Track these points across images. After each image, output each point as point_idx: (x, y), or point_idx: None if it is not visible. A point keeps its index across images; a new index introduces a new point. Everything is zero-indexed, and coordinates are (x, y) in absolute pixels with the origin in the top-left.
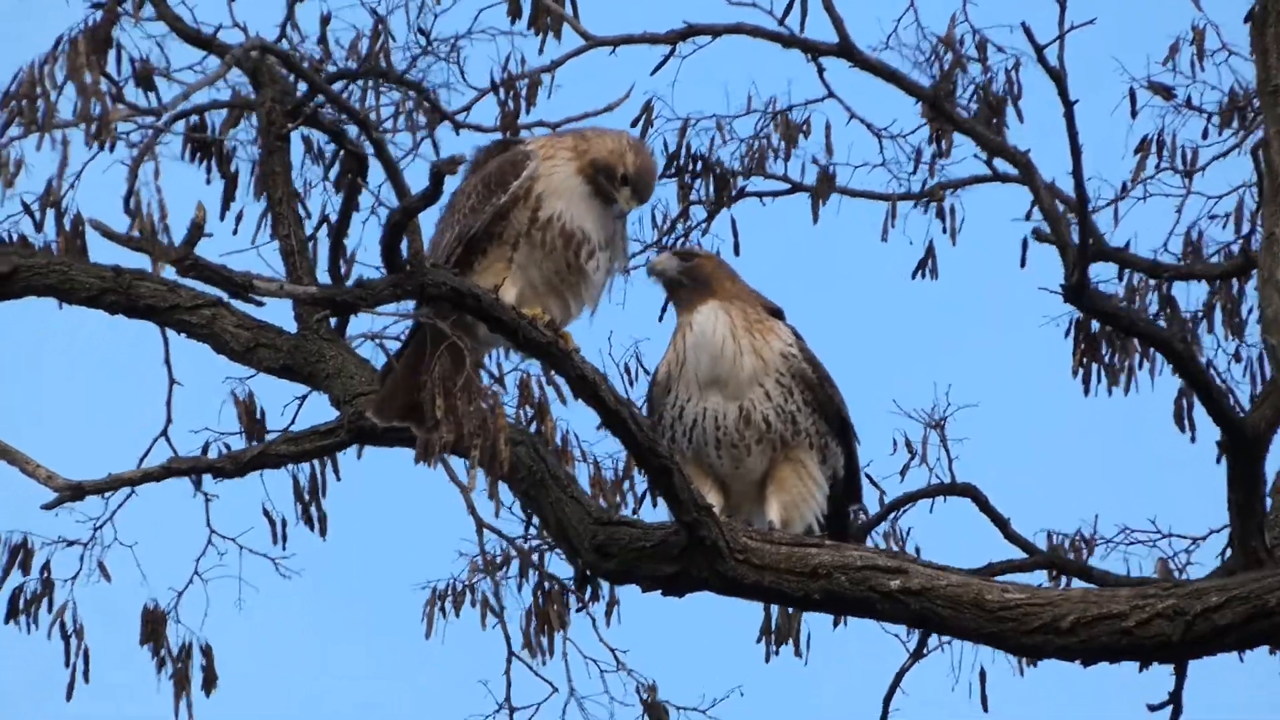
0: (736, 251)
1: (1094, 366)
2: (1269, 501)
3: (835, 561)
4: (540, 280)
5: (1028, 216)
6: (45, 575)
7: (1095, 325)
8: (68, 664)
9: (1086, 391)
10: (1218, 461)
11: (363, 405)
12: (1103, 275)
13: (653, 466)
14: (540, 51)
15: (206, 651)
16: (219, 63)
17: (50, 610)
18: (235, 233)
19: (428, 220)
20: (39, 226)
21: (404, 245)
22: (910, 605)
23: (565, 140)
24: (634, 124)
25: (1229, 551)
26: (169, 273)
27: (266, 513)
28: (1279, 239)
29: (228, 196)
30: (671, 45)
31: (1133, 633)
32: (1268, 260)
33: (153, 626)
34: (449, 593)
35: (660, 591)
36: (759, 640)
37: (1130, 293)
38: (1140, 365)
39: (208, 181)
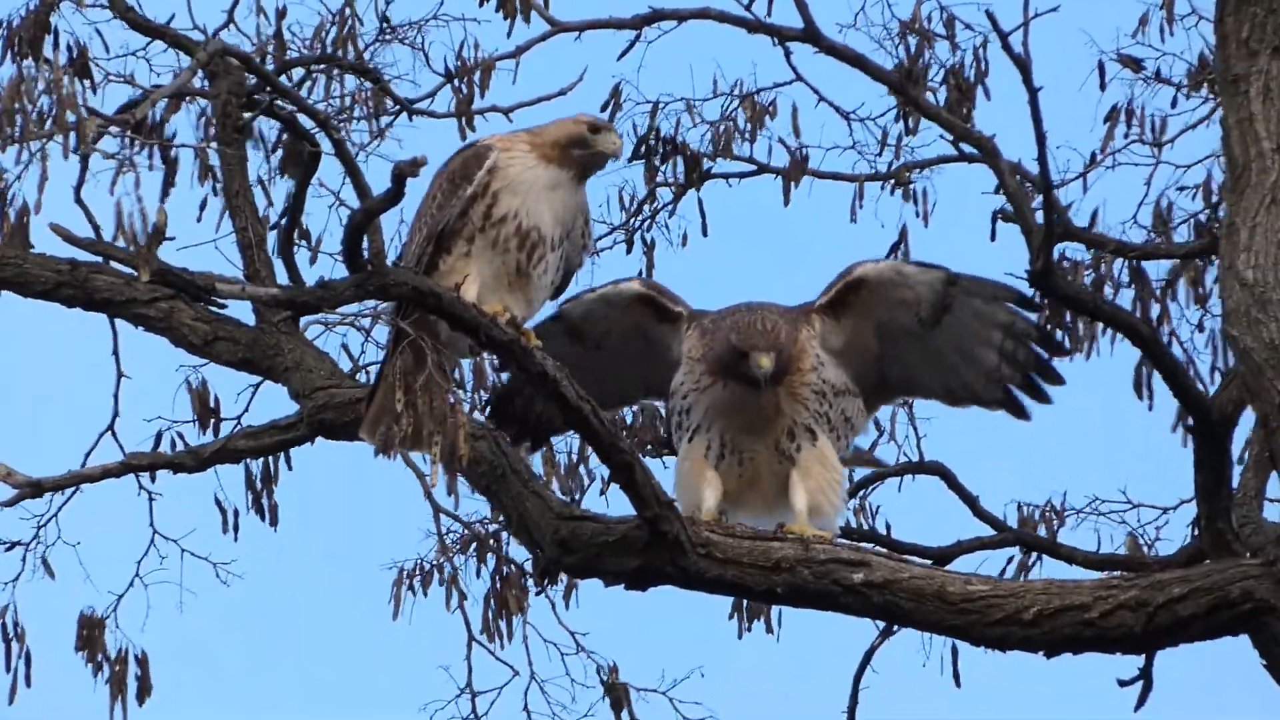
0: (705, 233)
1: (1058, 333)
2: (1236, 483)
3: (798, 555)
4: (492, 277)
5: (997, 190)
6: None
7: None
8: (8, 668)
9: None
10: (1173, 429)
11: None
12: (1070, 247)
13: (615, 462)
14: (509, 35)
15: (142, 661)
16: (161, 50)
17: None
18: (199, 220)
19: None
20: None
21: (365, 245)
22: (873, 598)
23: (519, 135)
24: (603, 109)
25: (1197, 531)
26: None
27: (218, 502)
28: (1239, 229)
29: (167, 184)
30: (637, 30)
31: (1096, 624)
32: (1229, 250)
33: (88, 633)
34: (416, 572)
35: (623, 586)
36: (731, 617)
37: (1097, 262)
38: (1103, 332)
39: (150, 167)
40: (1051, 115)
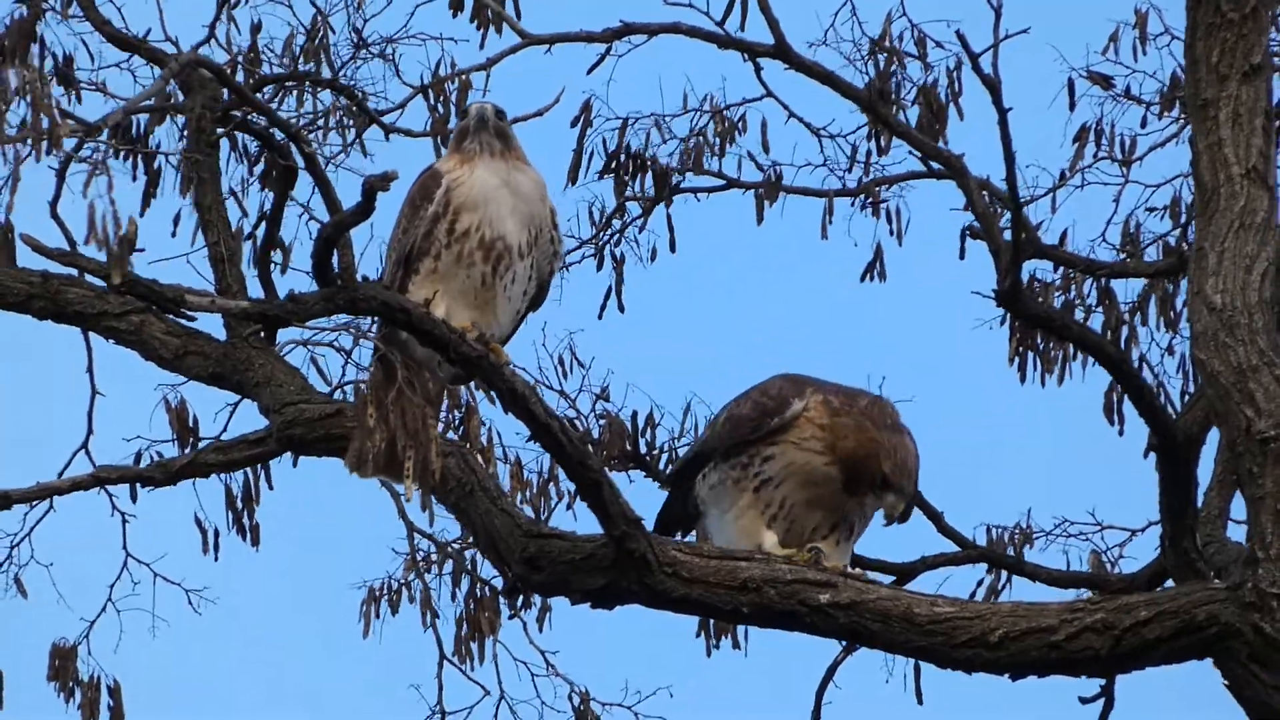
0: (673, 249)
1: (1029, 355)
2: (1200, 502)
3: (764, 575)
4: (459, 293)
5: (966, 208)
6: None
7: None
8: None
9: (1022, 380)
10: (1145, 456)
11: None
12: (1041, 266)
13: (583, 480)
14: (481, 47)
15: (115, 691)
16: (143, 63)
17: None
18: (174, 235)
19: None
20: None
21: (335, 259)
22: (839, 619)
23: (451, 155)
24: (573, 124)
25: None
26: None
27: (199, 522)
28: (1208, 253)
29: (148, 194)
30: (607, 44)
31: (1061, 647)
32: (1198, 274)
33: (60, 662)
34: (384, 591)
35: (589, 604)
36: (698, 635)
37: (1066, 282)
38: (1074, 355)
39: (134, 178)
40: (1021, 133)
